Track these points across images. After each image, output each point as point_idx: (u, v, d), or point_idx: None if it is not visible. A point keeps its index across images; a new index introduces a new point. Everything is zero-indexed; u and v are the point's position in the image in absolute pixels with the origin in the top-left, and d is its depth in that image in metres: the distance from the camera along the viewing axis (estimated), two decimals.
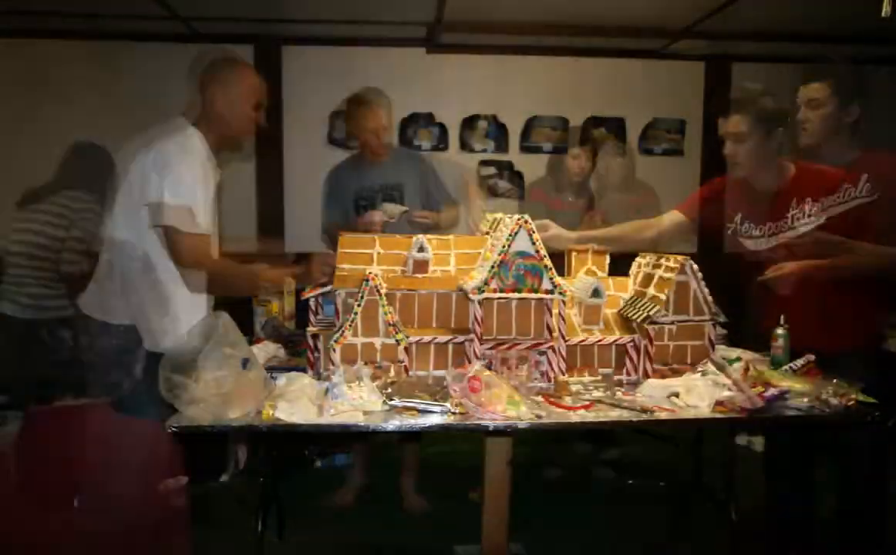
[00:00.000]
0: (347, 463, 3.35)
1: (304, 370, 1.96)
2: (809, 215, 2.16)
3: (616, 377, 2.05)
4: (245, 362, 1.69)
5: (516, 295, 1.92)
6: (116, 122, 3.83)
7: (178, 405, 1.60)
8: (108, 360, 2.08)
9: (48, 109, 3.85)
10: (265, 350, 2.20)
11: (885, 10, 2.11)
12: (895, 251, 2.04)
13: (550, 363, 1.96)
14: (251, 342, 2.08)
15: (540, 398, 1.82)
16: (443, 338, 1.95)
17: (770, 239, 2.26)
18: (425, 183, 3.06)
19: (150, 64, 4.00)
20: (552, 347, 1.95)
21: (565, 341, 1.97)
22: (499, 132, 4.33)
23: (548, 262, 1.92)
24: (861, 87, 2.17)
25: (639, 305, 2.06)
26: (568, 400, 1.82)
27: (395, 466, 3.16)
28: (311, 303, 2.09)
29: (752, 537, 2.49)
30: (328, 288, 2.04)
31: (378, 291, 1.84)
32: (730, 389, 1.79)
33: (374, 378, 1.78)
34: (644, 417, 1.73)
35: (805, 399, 1.80)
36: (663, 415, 1.75)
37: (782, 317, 2.08)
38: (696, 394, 1.79)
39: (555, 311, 1.95)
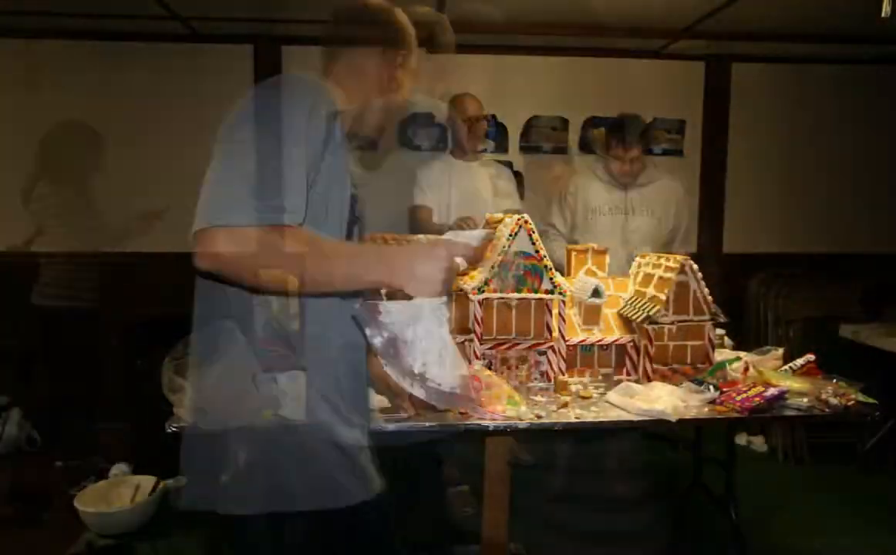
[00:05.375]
0: None
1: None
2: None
3: (616, 377, 2.05)
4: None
5: (516, 295, 1.92)
6: (116, 122, 3.86)
7: (178, 410, 1.59)
8: None
9: (47, 109, 3.84)
10: None
11: (885, 10, 2.11)
12: None
13: (550, 363, 1.96)
14: None
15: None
16: None
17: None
18: None
19: (150, 64, 4.00)
20: (552, 347, 1.95)
21: (565, 341, 1.97)
22: (499, 132, 4.32)
23: (548, 262, 1.92)
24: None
25: (639, 305, 2.06)
26: (567, 400, 1.83)
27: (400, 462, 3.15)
28: None
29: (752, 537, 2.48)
30: None
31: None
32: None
33: None
34: (644, 417, 1.73)
35: (805, 399, 1.80)
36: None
37: None
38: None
39: (555, 311, 1.95)
